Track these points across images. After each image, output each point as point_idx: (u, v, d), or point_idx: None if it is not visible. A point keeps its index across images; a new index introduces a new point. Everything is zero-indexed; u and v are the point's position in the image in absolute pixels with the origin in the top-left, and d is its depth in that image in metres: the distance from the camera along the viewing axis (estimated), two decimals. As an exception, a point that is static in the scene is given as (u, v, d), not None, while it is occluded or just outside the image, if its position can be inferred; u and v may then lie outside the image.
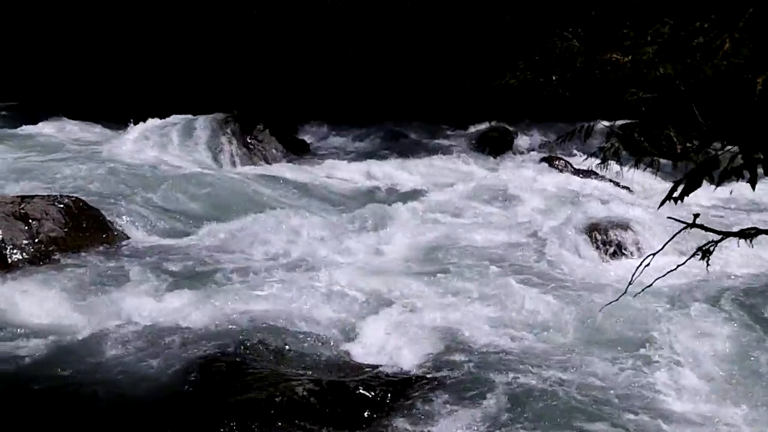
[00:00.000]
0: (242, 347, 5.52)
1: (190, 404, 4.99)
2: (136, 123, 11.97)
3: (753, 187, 2.81)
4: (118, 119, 12.28)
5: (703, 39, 3.22)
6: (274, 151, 11.68)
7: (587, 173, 11.09)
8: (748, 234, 3.12)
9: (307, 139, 13.58)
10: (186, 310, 6.07)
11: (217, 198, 9.14)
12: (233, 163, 11.22)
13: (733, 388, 5.18)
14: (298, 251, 7.63)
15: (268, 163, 11.35)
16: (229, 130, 11.55)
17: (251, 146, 11.52)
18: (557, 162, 11.63)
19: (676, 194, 2.97)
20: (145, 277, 6.85)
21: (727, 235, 3.13)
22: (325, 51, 14.25)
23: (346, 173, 10.91)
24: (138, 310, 6.06)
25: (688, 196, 2.99)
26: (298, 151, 12.41)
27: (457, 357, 5.53)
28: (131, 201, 8.74)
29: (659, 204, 3.10)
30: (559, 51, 3.89)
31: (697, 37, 3.28)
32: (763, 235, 3.18)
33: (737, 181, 3.02)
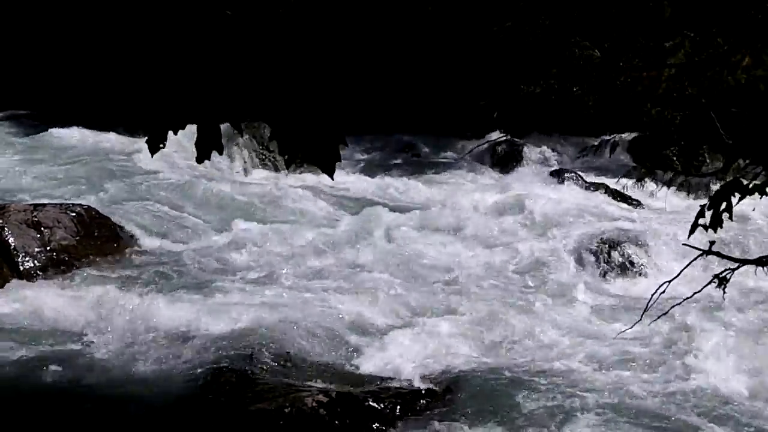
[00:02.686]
0: (252, 357, 5.53)
1: (200, 414, 5.01)
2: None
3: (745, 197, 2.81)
4: (132, 127, 12.32)
5: (722, 52, 3.24)
6: (283, 159, 11.67)
7: (598, 187, 11.02)
8: (765, 263, 3.11)
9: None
10: (197, 319, 6.08)
11: (229, 207, 9.15)
12: (245, 172, 11.24)
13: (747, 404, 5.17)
14: (307, 262, 7.64)
15: (278, 171, 11.36)
16: (240, 139, 11.55)
17: (262, 155, 11.54)
18: (568, 175, 11.58)
19: (703, 221, 2.97)
20: (156, 285, 6.87)
21: (744, 263, 3.12)
22: (336, 61, 14.28)
23: (354, 184, 10.90)
24: (149, 319, 6.07)
25: (720, 227, 2.99)
26: (327, 169, 12.29)
27: (466, 372, 5.53)
28: (143, 209, 8.75)
29: (689, 233, 3.08)
30: (581, 61, 3.90)
31: (718, 50, 3.30)
32: None
33: (761, 197, 3.02)
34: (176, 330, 5.95)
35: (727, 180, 3.16)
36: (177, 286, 6.88)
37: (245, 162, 11.50)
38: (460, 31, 13.83)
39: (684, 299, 3.46)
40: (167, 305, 6.34)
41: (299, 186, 10.39)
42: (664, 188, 11.22)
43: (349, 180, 11.23)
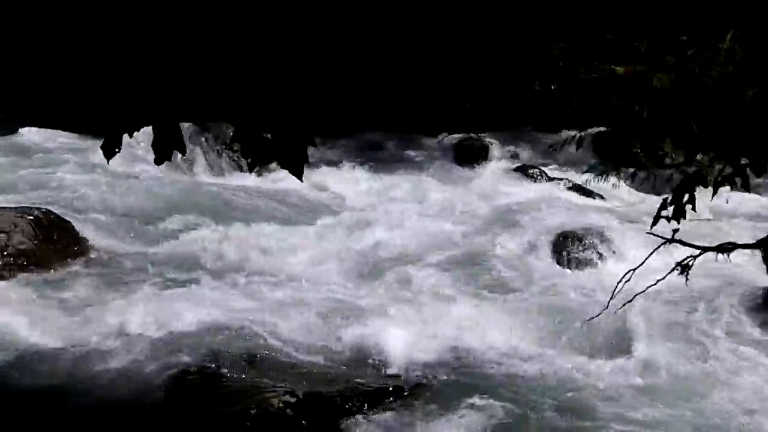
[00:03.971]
0: (217, 359, 5.46)
1: (164, 418, 4.94)
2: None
3: (748, 190, 2.85)
4: (92, 128, 12.16)
5: (693, 50, 3.26)
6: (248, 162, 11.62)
7: (561, 182, 11.11)
8: (726, 249, 3.15)
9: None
10: (159, 321, 5.99)
11: (191, 207, 9.05)
12: (207, 172, 11.14)
13: (703, 392, 5.20)
14: (271, 261, 7.58)
15: (241, 172, 11.28)
16: (203, 139, 11.47)
17: (224, 155, 11.46)
18: (532, 171, 11.65)
19: (665, 213, 2.99)
20: (118, 288, 6.77)
21: (705, 250, 3.16)
22: (301, 59, 14.20)
23: (321, 184, 10.86)
24: (110, 322, 5.98)
25: (683, 218, 3.02)
26: (295, 171, 12.25)
27: (433, 367, 5.54)
28: (104, 211, 8.64)
29: (651, 225, 3.12)
30: (558, 60, 3.91)
31: (689, 48, 3.32)
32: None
33: (732, 189, 3.04)
34: (139, 333, 5.86)
35: (690, 173, 3.18)
36: (139, 288, 6.78)
37: (209, 162, 11.40)
38: (426, 30, 13.84)
39: (648, 287, 3.49)
40: (129, 308, 6.24)
41: (265, 186, 10.33)
42: (628, 182, 11.35)
43: (315, 180, 11.18)
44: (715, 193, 2.99)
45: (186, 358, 5.46)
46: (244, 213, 9.04)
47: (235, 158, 11.47)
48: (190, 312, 6.18)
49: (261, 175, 11.16)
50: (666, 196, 3.10)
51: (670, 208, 3.17)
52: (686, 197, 2.98)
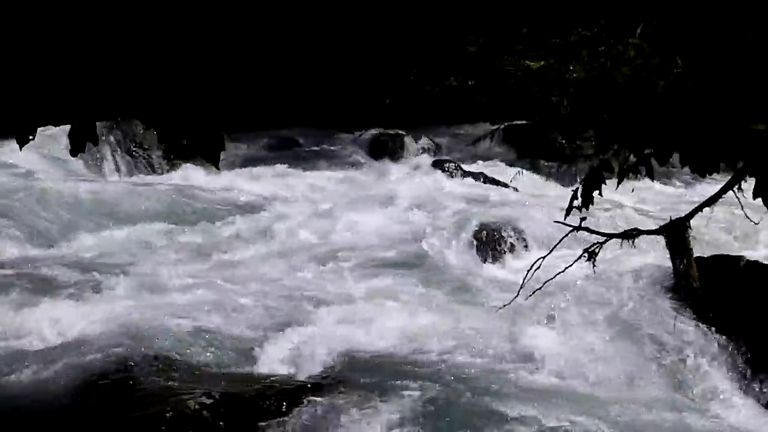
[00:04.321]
0: (131, 363, 5.33)
1: (74, 425, 4.80)
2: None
3: (652, 179, 2.93)
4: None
5: (605, 46, 3.33)
6: (159, 157, 11.43)
7: (477, 176, 11.28)
8: (630, 235, 3.24)
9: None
10: (68, 326, 5.83)
11: (97, 208, 8.84)
12: (116, 172, 10.92)
13: (608, 385, 5.33)
14: (186, 262, 7.47)
15: (153, 171, 11.09)
16: (112, 138, 11.23)
17: (135, 154, 11.24)
18: (448, 165, 11.78)
19: (577, 203, 3.06)
20: (22, 294, 6.52)
21: (610, 236, 3.24)
22: (212, 53, 14.00)
23: (234, 182, 10.75)
24: (14, 329, 5.80)
25: (591, 204, 3.08)
26: (184, 158, 12.14)
27: (352, 363, 5.52)
28: (6, 213, 8.36)
29: (564, 215, 3.18)
30: (476, 57, 3.95)
31: (600, 43, 3.39)
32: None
33: (637, 178, 3.12)
34: (47, 339, 5.71)
35: (597, 162, 3.25)
36: (47, 293, 6.57)
37: (118, 162, 11.16)
38: (341, 25, 13.83)
39: (556, 274, 3.56)
40: (36, 314, 6.05)
41: (175, 186, 10.16)
42: (542, 174, 11.61)
43: (228, 178, 11.07)
44: (620, 181, 3.07)
45: (97, 363, 5.30)
46: (155, 213, 8.88)
47: (145, 156, 11.26)
48: (100, 315, 6.03)
49: (173, 174, 11.00)
50: (577, 186, 3.17)
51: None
52: (595, 187, 3.06)
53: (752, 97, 2.64)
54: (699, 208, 3.24)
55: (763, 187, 2.62)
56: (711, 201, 3.17)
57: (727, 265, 5.97)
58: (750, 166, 2.62)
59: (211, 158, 2.50)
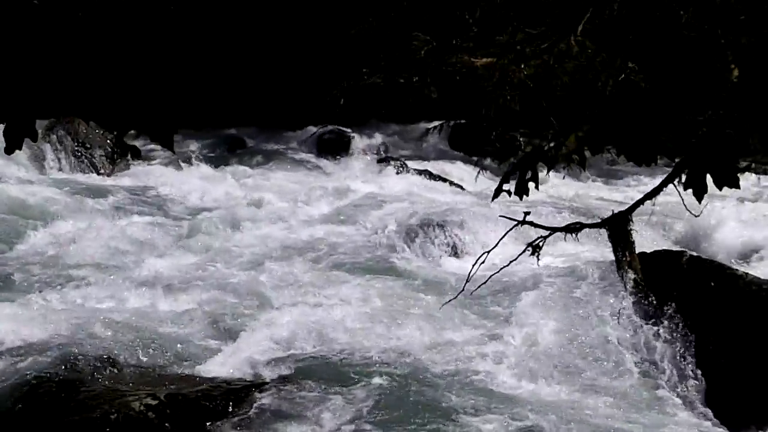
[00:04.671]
0: (74, 365, 5.24)
1: (15, 429, 4.70)
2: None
3: (584, 168, 2.97)
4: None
5: (548, 43, 3.36)
6: (102, 157, 11.25)
7: (423, 173, 11.33)
8: (574, 229, 3.29)
9: (139, 144, 13.11)
10: (7, 328, 5.68)
11: (42, 208, 8.67)
12: (58, 171, 10.71)
13: (564, 374, 5.40)
14: (131, 263, 7.35)
15: (96, 169, 10.91)
16: (54, 136, 11.01)
17: (78, 153, 11.03)
18: (394, 163, 11.82)
19: (507, 187, 3.09)
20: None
21: (554, 230, 3.28)
22: (156, 51, 13.84)
23: (180, 181, 10.64)
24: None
25: (526, 195, 3.12)
26: (128, 158, 12.00)
27: (298, 363, 5.51)
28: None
29: (492, 198, 3.23)
30: (423, 53, 3.96)
31: (541, 41, 3.42)
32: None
33: (566, 169, 3.16)
34: (-13, 342, 5.56)
35: (529, 149, 3.29)
36: (-15, 295, 6.43)
37: (59, 161, 10.95)
38: (288, 24, 13.78)
39: (501, 268, 3.60)
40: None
41: (119, 185, 10.03)
42: (489, 171, 11.70)
43: (175, 177, 10.94)
44: (550, 169, 3.12)
45: (40, 366, 5.20)
46: (98, 212, 8.74)
47: (87, 156, 11.07)
48: (41, 318, 5.91)
49: (118, 173, 10.85)
50: (506, 170, 3.21)
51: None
52: (529, 174, 3.10)
53: (691, 90, 2.71)
54: (640, 202, 3.31)
55: (693, 179, 2.69)
56: (652, 194, 3.24)
57: (669, 261, 6.09)
58: (688, 160, 2.68)
59: (164, 141, 2.45)
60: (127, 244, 7.75)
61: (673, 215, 8.35)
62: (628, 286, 5.82)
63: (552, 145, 3.00)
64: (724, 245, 8.20)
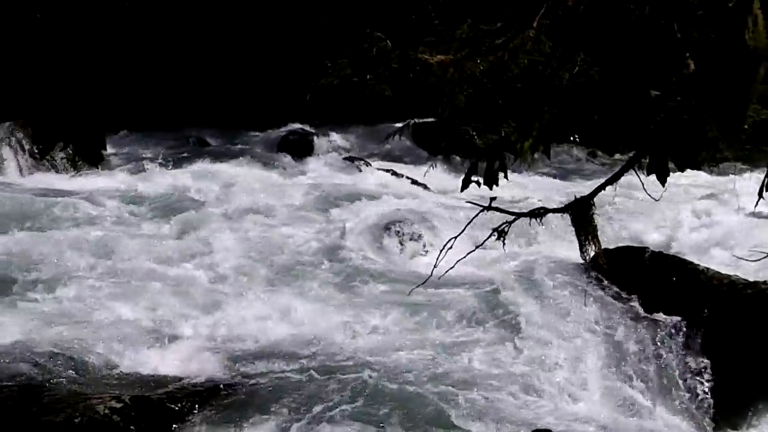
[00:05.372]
0: (37, 369, 5.20)
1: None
2: None
3: (548, 157, 3.00)
4: None
5: (503, 38, 3.38)
6: (64, 160, 11.11)
7: (387, 172, 11.34)
8: (538, 213, 3.34)
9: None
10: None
11: (1, 211, 8.53)
12: (19, 174, 10.54)
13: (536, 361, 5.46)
14: (94, 266, 7.25)
15: (58, 173, 10.76)
16: (14, 139, 10.85)
17: (39, 156, 10.88)
18: (357, 163, 11.81)
19: (476, 178, 3.14)
20: None
21: (518, 216, 3.33)
22: (117, 53, 13.72)
23: (143, 182, 10.51)
24: None
25: (496, 185, 3.17)
26: (91, 160, 11.82)
27: (265, 361, 5.50)
28: None
29: (461, 188, 3.26)
30: (375, 51, 3.96)
31: (498, 36, 3.44)
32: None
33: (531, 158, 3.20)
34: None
35: (497, 138, 3.33)
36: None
37: (18, 164, 10.78)
38: (249, 25, 13.72)
39: (466, 254, 3.63)
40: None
41: (80, 188, 9.91)
42: (452, 169, 11.75)
43: (136, 179, 10.82)
44: (520, 155, 3.16)
45: (2, 370, 5.14)
46: (59, 216, 8.60)
47: (49, 158, 10.93)
48: (3, 322, 5.84)
49: (79, 175, 10.70)
50: (474, 161, 3.26)
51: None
52: (497, 164, 3.15)
53: (646, 82, 2.76)
54: (602, 187, 3.37)
55: (655, 164, 2.75)
56: (613, 180, 3.30)
57: (633, 256, 6.18)
58: (649, 145, 2.74)
59: (90, 158, 2.42)
60: (87, 247, 7.64)
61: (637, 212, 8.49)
62: (591, 272, 5.91)
63: (517, 135, 3.04)
64: (685, 240, 8.33)
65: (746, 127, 2.58)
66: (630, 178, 3.35)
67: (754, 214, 8.72)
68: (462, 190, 3.29)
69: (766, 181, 2.79)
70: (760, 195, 2.78)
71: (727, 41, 2.38)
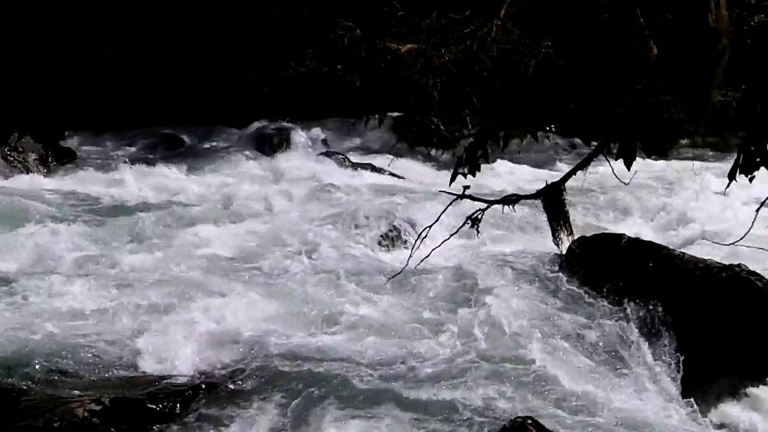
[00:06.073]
0: (15, 373, 5.15)
1: (-46, 442, 4.59)
2: None
3: (537, 140, 3.02)
4: None
5: (471, 27, 3.39)
6: (36, 161, 11.03)
7: (365, 166, 11.33)
8: (510, 201, 3.36)
9: (74, 146, 12.92)
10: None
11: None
12: (-10, 175, 10.44)
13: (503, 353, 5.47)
14: (63, 265, 7.20)
15: (29, 173, 10.68)
16: (-21, 141, 10.76)
17: (9, 157, 10.78)
18: (335, 157, 11.79)
19: (463, 170, 3.15)
20: None
21: (491, 203, 3.35)
22: (83, 51, 13.63)
23: (116, 181, 10.45)
24: None
25: (478, 171, 3.19)
26: (63, 160, 11.81)
27: (246, 360, 5.47)
28: None
29: (450, 182, 3.28)
30: (345, 41, 3.95)
31: (466, 25, 3.45)
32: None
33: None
34: None
35: (480, 129, 3.35)
36: None
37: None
38: (219, 20, 13.64)
39: (443, 241, 3.66)
40: None
41: (53, 188, 9.84)
42: (429, 161, 11.80)
43: (110, 178, 10.75)
44: (505, 144, 3.19)
45: (-22, 375, 5.10)
46: (33, 215, 8.53)
47: (20, 159, 10.84)
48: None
49: (52, 175, 10.63)
50: (462, 154, 3.28)
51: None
52: (479, 152, 3.17)
53: (612, 68, 2.78)
54: (572, 172, 3.40)
55: (624, 148, 2.78)
56: (582, 165, 3.33)
57: (609, 243, 6.21)
58: (617, 131, 2.76)
59: (61, 157, 2.40)
60: (62, 247, 7.59)
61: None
62: (565, 258, 5.94)
63: (501, 125, 3.07)
64: (657, 226, 8.41)
65: (711, 109, 2.61)
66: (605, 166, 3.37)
67: (723, 198, 8.83)
68: (450, 183, 3.32)
69: (740, 162, 2.81)
70: (731, 178, 2.80)
71: (690, 25, 2.40)
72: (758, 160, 2.61)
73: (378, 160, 11.74)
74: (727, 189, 3.19)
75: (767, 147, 2.52)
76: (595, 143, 3.42)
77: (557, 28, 3.02)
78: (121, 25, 13.64)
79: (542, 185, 3.51)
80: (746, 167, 2.70)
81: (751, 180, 2.88)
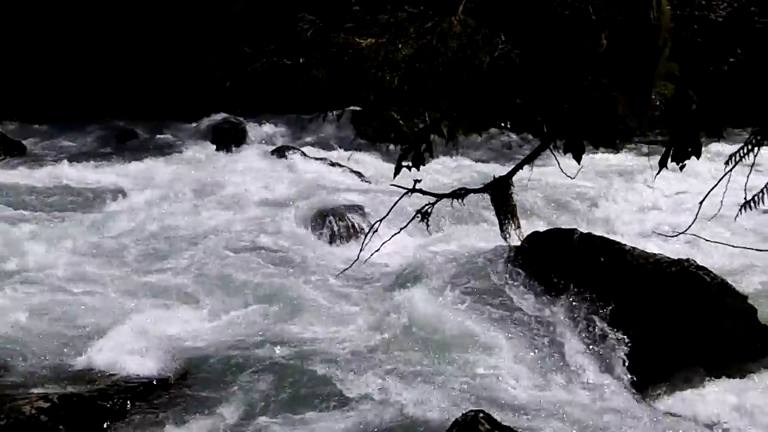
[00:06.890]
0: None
1: None
2: None
3: (447, 141, 3.05)
4: None
5: (431, 22, 3.40)
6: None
7: (320, 161, 11.28)
8: (458, 194, 3.38)
9: (24, 139, 12.71)
10: None
11: None
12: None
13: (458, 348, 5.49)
14: (8, 259, 7.07)
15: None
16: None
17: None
18: (289, 152, 11.72)
19: (407, 163, 3.17)
20: None
21: (441, 197, 3.37)
22: (33, 41, 13.43)
23: (67, 175, 10.27)
24: None
25: (423, 165, 3.21)
26: (13, 154, 11.67)
27: (198, 356, 5.43)
28: None
29: (394, 174, 3.30)
30: (309, 35, 3.93)
31: (424, 20, 3.45)
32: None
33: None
34: None
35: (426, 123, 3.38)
36: None
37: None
38: (178, 12, 13.52)
39: (392, 236, 3.69)
40: None
41: (5, 180, 9.67)
42: (385, 156, 11.78)
43: (59, 171, 10.58)
44: (450, 139, 3.21)
45: None
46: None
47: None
48: None
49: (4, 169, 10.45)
50: (405, 146, 3.30)
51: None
52: (424, 146, 3.19)
53: (561, 61, 2.81)
54: (519, 166, 3.44)
55: (571, 142, 2.81)
56: (530, 159, 3.38)
57: (562, 238, 6.26)
58: (564, 124, 2.80)
59: (8, 150, 2.37)
60: (6, 241, 7.46)
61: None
62: (515, 253, 5.99)
63: (447, 120, 3.08)
64: (604, 218, 8.50)
65: (657, 103, 2.65)
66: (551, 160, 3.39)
67: (676, 191, 8.96)
68: (394, 176, 3.33)
69: (670, 152, 2.86)
70: (661, 166, 2.86)
71: (634, 20, 2.44)
72: (689, 149, 2.68)
73: (336, 155, 11.71)
74: (657, 177, 3.26)
75: (698, 136, 2.59)
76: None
77: (513, 23, 3.05)
78: (75, 16, 13.46)
79: (487, 176, 3.55)
80: (677, 156, 2.77)
81: (681, 168, 2.94)
